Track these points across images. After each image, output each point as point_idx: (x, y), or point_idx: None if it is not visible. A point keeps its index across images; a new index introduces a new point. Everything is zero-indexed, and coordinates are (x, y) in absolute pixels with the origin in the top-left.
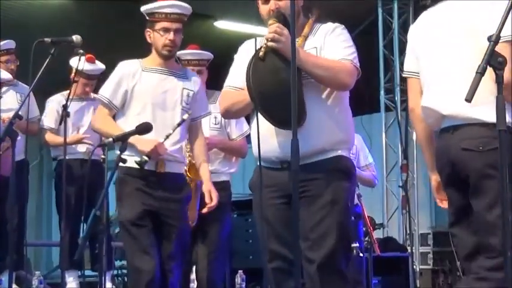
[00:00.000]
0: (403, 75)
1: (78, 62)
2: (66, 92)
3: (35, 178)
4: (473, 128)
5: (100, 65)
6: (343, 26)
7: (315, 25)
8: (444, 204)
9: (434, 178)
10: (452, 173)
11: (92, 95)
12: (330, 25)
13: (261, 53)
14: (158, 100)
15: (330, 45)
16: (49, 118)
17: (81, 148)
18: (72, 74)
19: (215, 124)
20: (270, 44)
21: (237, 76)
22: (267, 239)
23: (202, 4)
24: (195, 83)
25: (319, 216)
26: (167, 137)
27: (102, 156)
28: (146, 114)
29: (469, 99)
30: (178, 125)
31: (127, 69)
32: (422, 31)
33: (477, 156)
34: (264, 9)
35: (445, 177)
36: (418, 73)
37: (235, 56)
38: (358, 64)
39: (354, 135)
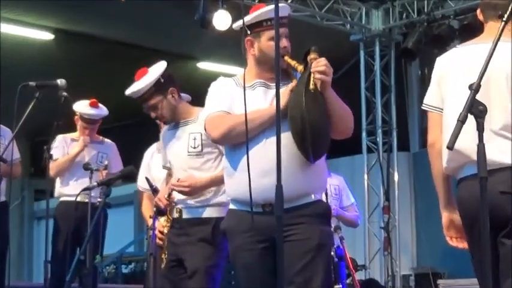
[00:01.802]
0: (423, 108)
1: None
2: (74, 134)
3: (16, 219)
4: (505, 171)
5: (102, 110)
6: None
7: None
8: (454, 242)
9: (447, 215)
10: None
11: (101, 138)
12: None
13: (311, 86)
14: None
15: None
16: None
17: (76, 190)
18: (76, 118)
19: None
20: (319, 76)
21: (225, 102)
22: (249, 286)
23: (186, 47)
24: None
25: (306, 260)
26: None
27: (99, 200)
28: None
29: (450, 146)
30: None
31: None
32: (454, 68)
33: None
34: (269, 45)
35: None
36: (441, 108)
37: (214, 88)
38: None
39: (325, 176)
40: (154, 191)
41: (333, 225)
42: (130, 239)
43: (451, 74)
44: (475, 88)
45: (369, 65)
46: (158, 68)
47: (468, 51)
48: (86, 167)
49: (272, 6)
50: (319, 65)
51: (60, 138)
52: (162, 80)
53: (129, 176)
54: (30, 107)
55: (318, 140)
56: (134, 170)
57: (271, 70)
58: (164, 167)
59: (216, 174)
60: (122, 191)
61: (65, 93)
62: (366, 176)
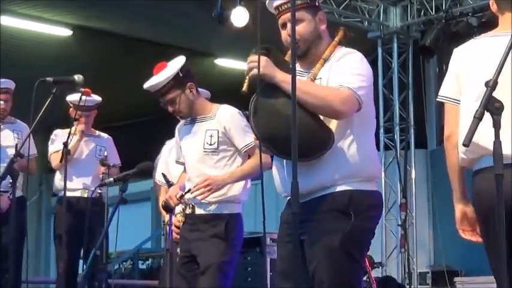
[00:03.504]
0: (439, 99)
1: (79, 100)
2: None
3: (34, 214)
4: None
5: (95, 97)
6: (360, 54)
7: (337, 49)
8: (467, 235)
9: (461, 208)
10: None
11: (97, 132)
12: (343, 51)
13: (244, 88)
14: None
15: (334, 72)
16: (54, 146)
17: (79, 185)
18: (71, 110)
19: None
20: (250, 74)
21: None
22: (278, 277)
23: (204, 43)
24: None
25: (314, 265)
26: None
27: (99, 191)
28: None
29: (466, 144)
30: None
31: None
32: (471, 61)
33: None
34: (282, 34)
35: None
36: (458, 100)
37: None
38: (361, 93)
39: (374, 167)
40: (171, 186)
41: None
42: (147, 235)
43: (469, 66)
44: (491, 85)
45: (386, 62)
46: (177, 63)
47: (485, 43)
48: (103, 163)
49: None
50: (248, 64)
51: (58, 131)
52: (181, 75)
53: (146, 172)
54: (48, 102)
55: (284, 148)
56: (151, 165)
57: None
58: (177, 162)
59: (237, 170)
60: (139, 187)
61: (82, 89)
62: (383, 173)
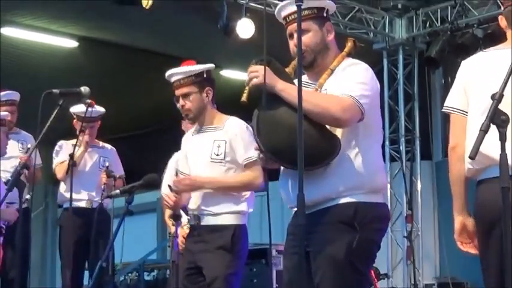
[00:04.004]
0: (445, 110)
1: (85, 112)
2: (73, 141)
3: (40, 225)
4: None
5: (99, 108)
6: (365, 65)
7: (344, 60)
8: (465, 247)
9: (460, 220)
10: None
11: (101, 143)
12: (349, 62)
13: (243, 98)
14: None
15: (338, 82)
16: (59, 158)
17: (84, 196)
18: (74, 122)
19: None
20: (251, 83)
21: None
22: None
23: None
24: None
25: (320, 274)
26: None
27: (99, 201)
28: None
29: (472, 156)
30: None
31: None
32: (479, 73)
33: None
34: (290, 45)
35: (492, 226)
36: (464, 111)
37: None
38: (364, 102)
39: (380, 179)
40: None
41: None
42: (153, 246)
43: (477, 79)
44: (497, 98)
45: (392, 73)
46: (206, 65)
47: (494, 56)
48: (109, 174)
49: (281, 4)
50: (248, 74)
51: (62, 143)
52: (205, 76)
53: (152, 184)
54: (54, 114)
55: (290, 158)
56: (157, 177)
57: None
58: (180, 172)
59: (220, 178)
60: (144, 199)
61: (88, 101)
62: (388, 185)
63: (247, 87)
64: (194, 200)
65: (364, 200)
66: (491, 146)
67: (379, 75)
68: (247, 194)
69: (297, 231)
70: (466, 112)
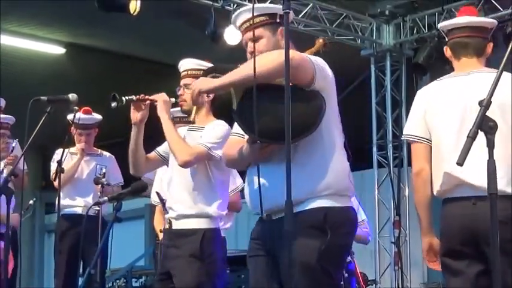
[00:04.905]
0: (405, 139)
1: (73, 117)
2: (71, 149)
3: (27, 232)
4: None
5: (95, 115)
6: (320, 58)
7: None
8: (433, 266)
9: (428, 241)
10: (472, 242)
11: (100, 151)
12: None
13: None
14: None
15: None
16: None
17: (80, 203)
18: (72, 129)
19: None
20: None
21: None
22: None
23: None
24: None
25: (292, 280)
26: None
27: (97, 209)
28: None
29: (460, 163)
30: None
31: None
32: (438, 101)
33: (509, 228)
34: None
35: (458, 244)
36: (425, 138)
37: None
38: (316, 67)
39: (345, 181)
40: (165, 205)
41: None
42: (140, 252)
43: (436, 106)
44: (485, 104)
45: (379, 79)
46: (206, 64)
47: (449, 84)
48: (97, 181)
49: (236, 13)
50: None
51: (60, 151)
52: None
53: (140, 191)
54: (42, 121)
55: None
56: (145, 184)
57: None
58: (157, 152)
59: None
60: (132, 205)
61: (76, 108)
62: (376, 191)
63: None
64: (169, 201)
65: (334, 205)
66: (459, 167)
67: (366, 81)
68: (217, 198)
69: (261, 236)
70: (426, 139)
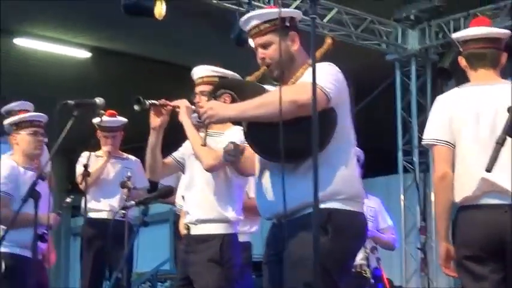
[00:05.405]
0: (428, 142)
1: (99, 120)
2: (97, 152)
3: (53, 235)
4: None
5: (120, 118)
6: (330, 64)
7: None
8: (448, 272)
9: (445, 246)
10: (498, 249)
11: (125, 155)
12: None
13: (201, 142)
14: None
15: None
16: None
17: (105, 207)
18: (98, 132)
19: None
20: (205, 121)
21: None
22: None
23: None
24: None
25: (293, 281)
26: None
27: (123, 212)
28: None
29: (489, 169)
30: None
31: None
32: (461, 108)
33: None
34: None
35: (481, 250)
36: (450, 143)
37: None
38: (329, 89)
39: (353, 187)
40: None
41: (368, 247)
42: (165, 256)
43: (462, 113)
44: None
45: (405, 84)
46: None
47: (475, 92)
48: (123, 185)
49: (244, 18)
50: (201, 114)
51: (86, 154)
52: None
53: (167, 195)
54: (69, 125)
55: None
56: (172, 188)
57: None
58: (173, 157)
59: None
60: (158, 209)
61: (102, 111)
62: (402, 196)
63: (205, 130)
64: (188, 206)
65: (339, 207)
66: (486, 174)
67: (391, 86)
68: (236, 202)
69: (272, 241)
70: (451, 143)
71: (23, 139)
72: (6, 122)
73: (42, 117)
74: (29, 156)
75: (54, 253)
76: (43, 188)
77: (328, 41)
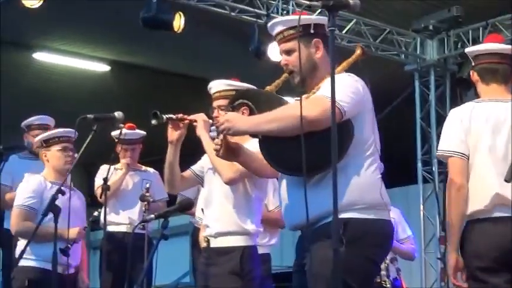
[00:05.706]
0: (444, 154)
1: (118, 134)
2: (116, 165)
3: None
4: None
5: (139, 131)
6: (351, 74)
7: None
8: (457, 282)
9: (455, 257)
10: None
11: (144, 167)
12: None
13: (220, 153)
14: None
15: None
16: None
17: (124, 220)
18: (117, 145)
19: None
20: (221, 136)
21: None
22: None
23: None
24: None
25: None
26: None
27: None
28: None
29: (508, 179)
30: None
31: None
32: (476, 122)
33: None
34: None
35: (494, 263)
36: (466, 155)
37: None
38: (345, 102)
39: (372, 195)
40: None
41: (388, 257)
42: (185, 268)
43: (479, 128)
44: None
45: (424, 95)
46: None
47: (487, 106)
48: (143, 198)
49: (271, 22)
50: (218, 125)
51: (104, 167)
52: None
53: (187, 208)
54: (88, 139)
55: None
56: (191, 201)
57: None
58: (192, 171)
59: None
60: (177, 221)
61: (121, 125)
62: (421, 207)
63: (220, 141)
64: (207, 219)
65: (356, 216)
66: (500, 186)
67: (411, 96)
68: (255, 215)
69: (298, 250)
70: (466, 156)
71: (53, 155)
72: (37, 139)
73: (71, 132)
74: (59, 171)
75: (85, 270)
76: (75, 202)
77: (358, 51)
